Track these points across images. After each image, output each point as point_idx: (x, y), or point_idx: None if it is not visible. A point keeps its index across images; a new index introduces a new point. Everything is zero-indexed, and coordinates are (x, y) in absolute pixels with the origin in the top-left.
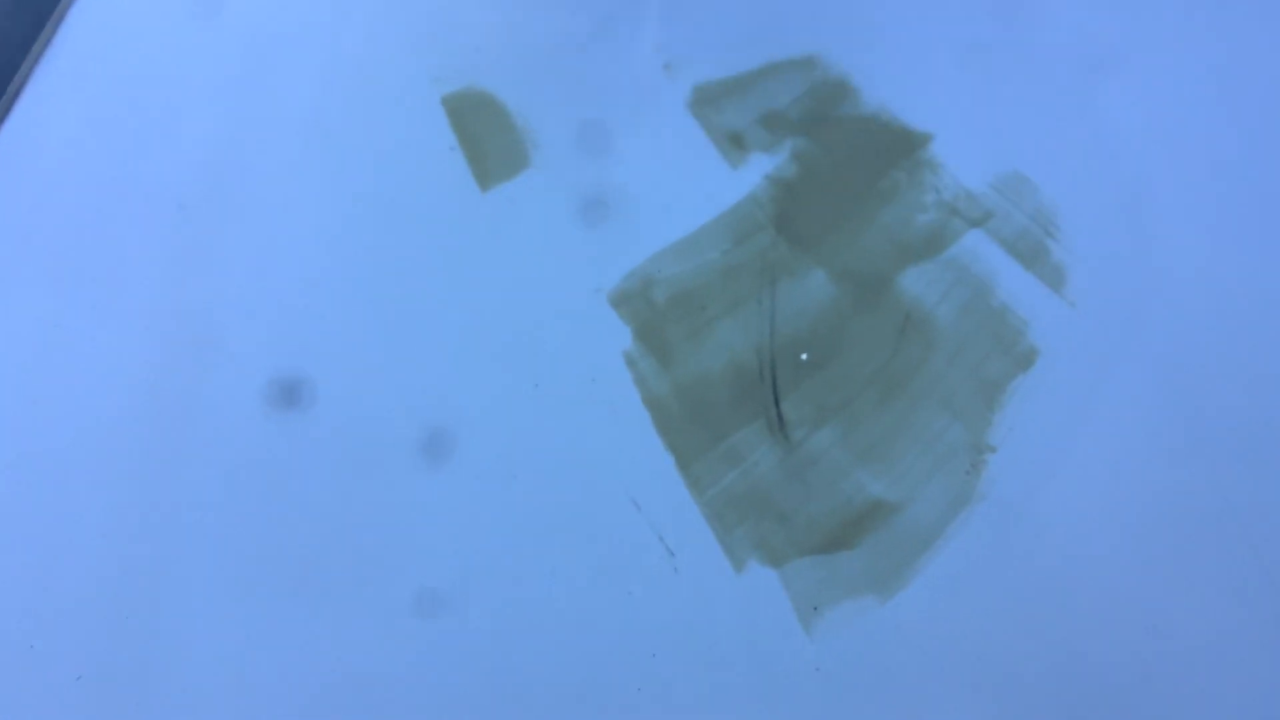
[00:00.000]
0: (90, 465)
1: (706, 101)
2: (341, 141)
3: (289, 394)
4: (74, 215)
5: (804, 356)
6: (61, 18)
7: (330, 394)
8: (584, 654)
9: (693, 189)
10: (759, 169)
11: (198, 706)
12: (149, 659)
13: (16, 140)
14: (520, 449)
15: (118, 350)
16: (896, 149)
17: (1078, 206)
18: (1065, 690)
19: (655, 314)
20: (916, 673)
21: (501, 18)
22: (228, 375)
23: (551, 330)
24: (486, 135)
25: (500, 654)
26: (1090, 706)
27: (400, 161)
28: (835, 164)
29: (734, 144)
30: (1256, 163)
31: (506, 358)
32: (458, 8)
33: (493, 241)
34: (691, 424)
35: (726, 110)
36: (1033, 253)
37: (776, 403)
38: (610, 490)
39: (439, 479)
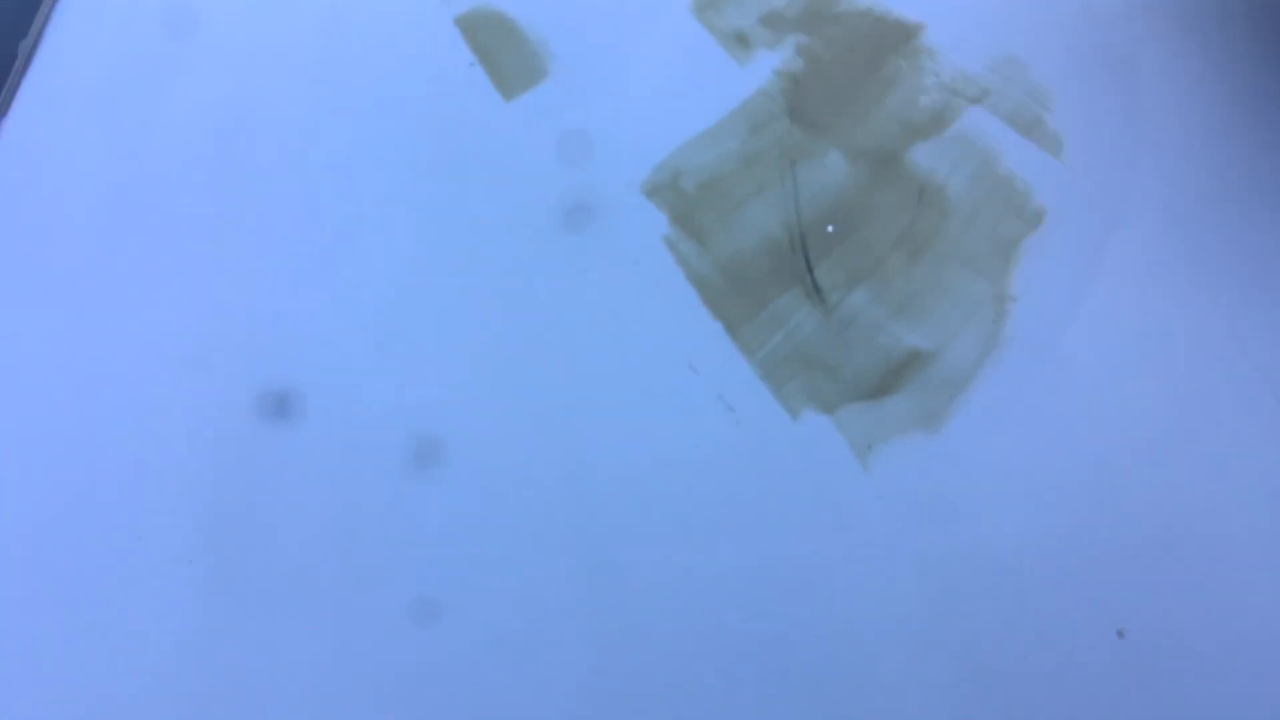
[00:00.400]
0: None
1: (709, 5)
2: (357, 64)
3: (280, 405)
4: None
5: (830, 229)
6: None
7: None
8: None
9: (706, 87)
10: (766, 64)
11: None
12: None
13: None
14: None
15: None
16: (892, 38)
17: (1069, 80)
18: (1093, 494)
19: (687, 201)
20: (967, 492)
21: None
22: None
23: (594, 221)
24: (502, 50)
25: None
26: (1116, 506)
27: (421, 81)
28: (837, 56)
29: (740, 43)
30: (1238, 25)
31: (553, 252)
32: None
33: (521, 150)
34: (735, 295)
35: (728, 12)
36: (1030, 124)
37: (810, 270)
38: (668, 358)
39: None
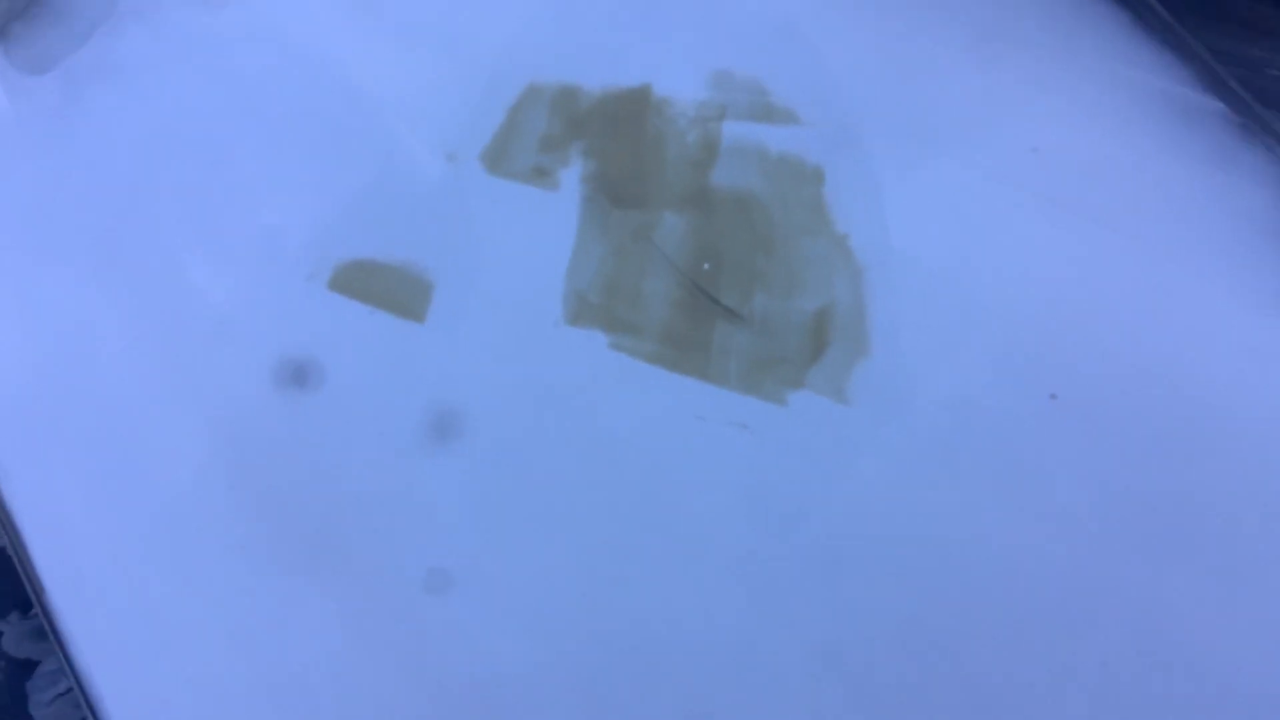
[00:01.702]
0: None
1: (499, 159)
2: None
3: (298, 375)
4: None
5: (706, 266)
6: None
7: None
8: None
9: (548, 222)
10: (572, 179)
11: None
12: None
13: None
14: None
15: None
16: (636, 107)
17: (762, 62)
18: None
19: (604, 309)
20: (911, 349)
21: None
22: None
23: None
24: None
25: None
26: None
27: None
28: (612, 142)
29: (541, 175)
30: None
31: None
32: None
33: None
34: (687, 351)
35: (516, 157)
36: (766, 111)
37: (718, 302)
38: (673, 416)
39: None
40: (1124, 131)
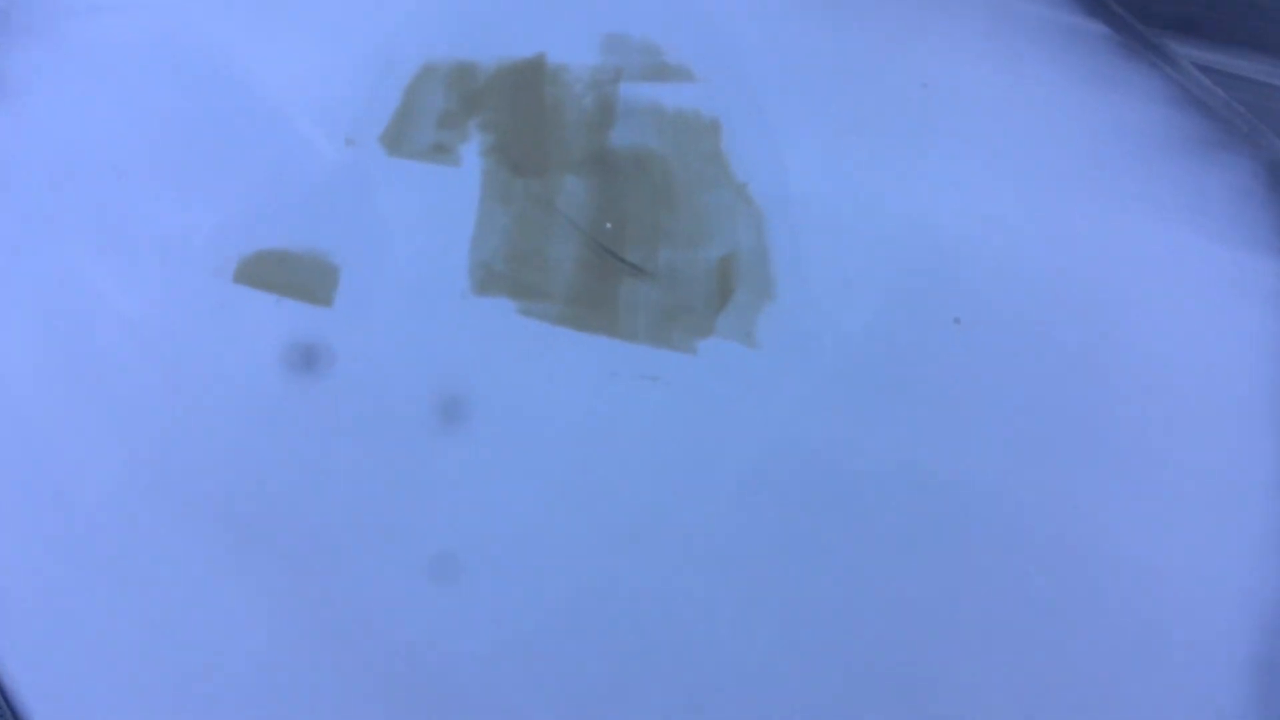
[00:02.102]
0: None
1: (396, 140)
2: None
3: (307, 358)
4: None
5: (608, 225)
6: None
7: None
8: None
9: (448, 199)
10: (472, 154)
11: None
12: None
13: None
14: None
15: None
16: (531, 75)
17: (653, 25)
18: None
19: (510, 277)
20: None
21: None
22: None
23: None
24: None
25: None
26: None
27: None
28: (511, 114)
29: (441, 152)
30: None
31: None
32: None
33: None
34: (595, 310)
35: (413, 136)
36: (660, 71)
37: (622, 259)
38: (599, 375)
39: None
40: (1011, 60)
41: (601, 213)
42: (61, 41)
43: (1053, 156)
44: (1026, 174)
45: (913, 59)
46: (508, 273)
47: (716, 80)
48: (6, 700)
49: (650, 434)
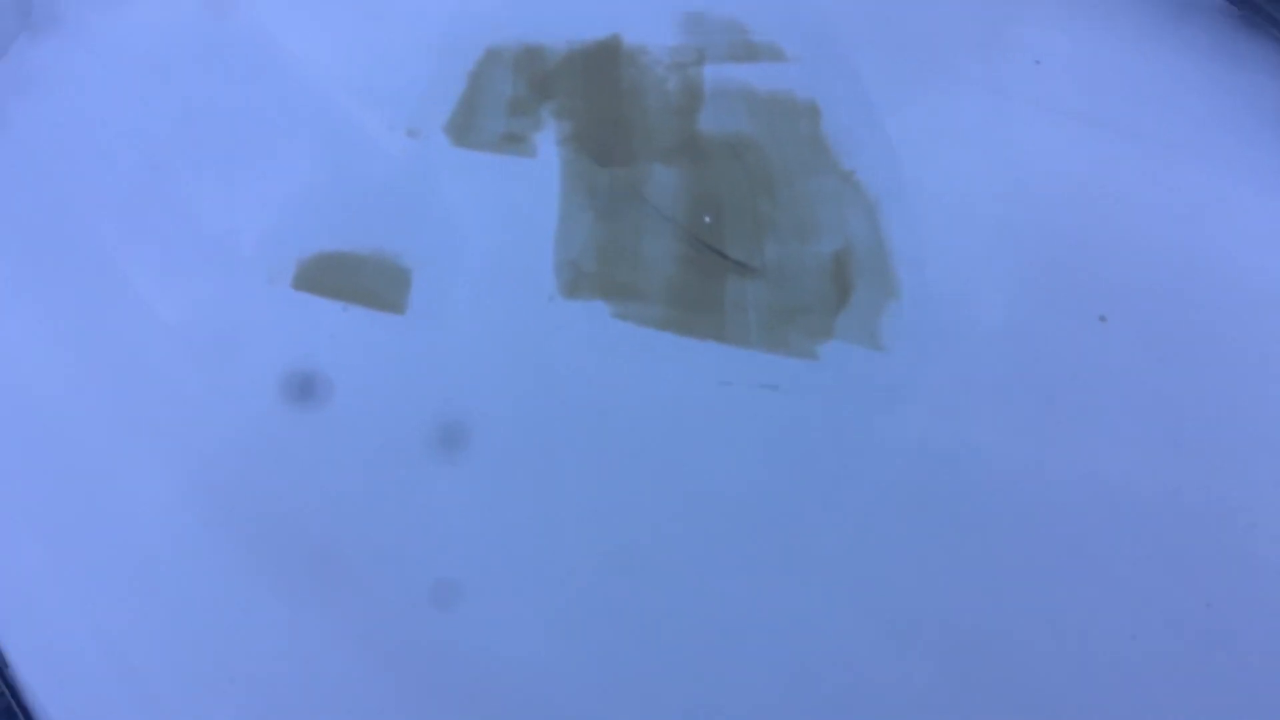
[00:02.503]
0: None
1: (464, 131)
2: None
3: (305, 387)
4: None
5: (706, 219)
6: None
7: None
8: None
9: (528, 192)
10: (548, 143)
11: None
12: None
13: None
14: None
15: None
16: (606, 58)
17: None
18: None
19: (601, 277)
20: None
21: None
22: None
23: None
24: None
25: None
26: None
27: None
28: (585, 98)
29: (513, 142)
30: None
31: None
32: None
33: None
34: (698, 313)
35: (483, 126)
36: (748, 51)
37: (724, 255)
38: (696, 384)
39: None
40: (1124, 33)
41: (697, 204)
42: (90, 31)
43: (1178, 135)
44: (1153, 154)
45: (1022, 34)
46: (599, 272)
47: (809, 59)
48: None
49: (770, 448)
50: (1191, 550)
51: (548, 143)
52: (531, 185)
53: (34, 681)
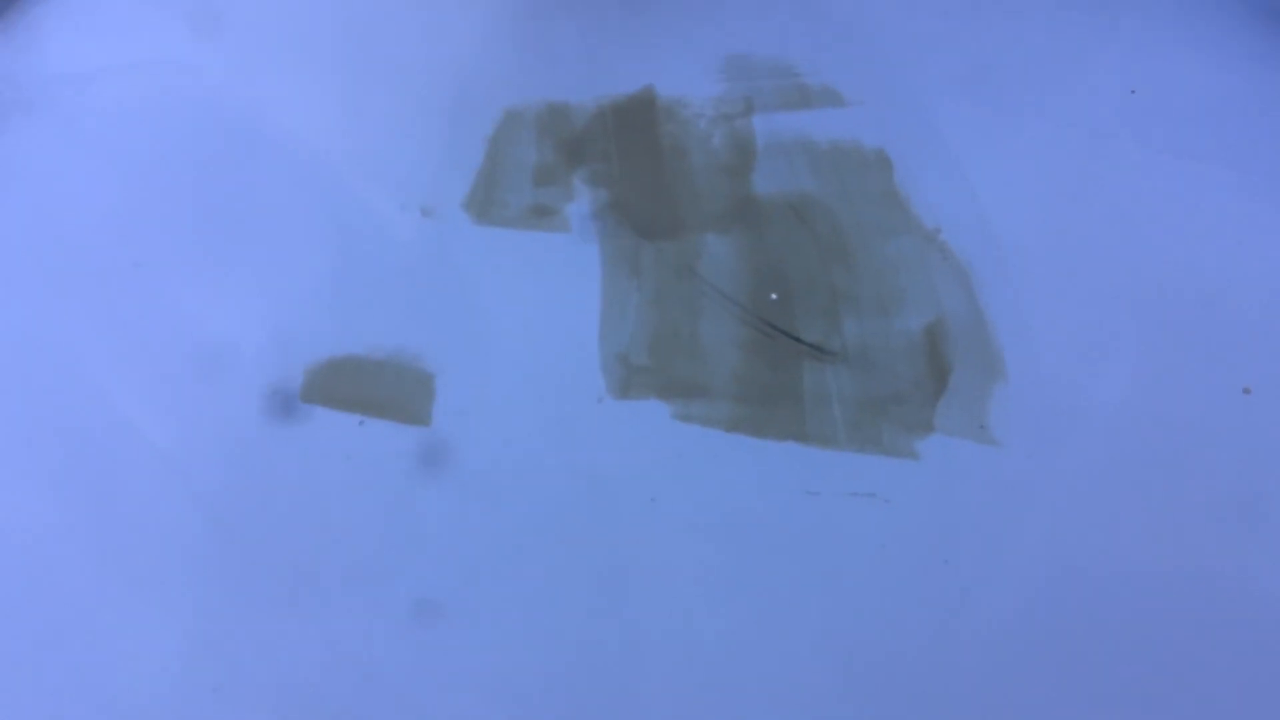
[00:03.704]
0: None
1: (486, 207)
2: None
3: (286, 405)
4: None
5: (773, 296)
6: None
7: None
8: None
9: (565, 274)
10: (581, 215)
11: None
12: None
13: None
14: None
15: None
16: (642, 114)
17: (787, 41)
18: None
19: (654, 371)
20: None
21: None
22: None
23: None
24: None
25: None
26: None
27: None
28: (620, 162)
29: (541, 215)
30: None
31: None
32: None
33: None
34: (772, 409)
35: (506, 200)
36: (801, 96)
37: (798, 339)
38: (781, 493)
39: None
40: (1220, 50)
41: (760, 279)
42: (59, 114)
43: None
44: (1263, 189)
45: (1110, 61)
46: (653, 366)
47: (872, 101)
48: None
49: (871, 569)
50: None
51: (582, 215)
52: (567, 266)
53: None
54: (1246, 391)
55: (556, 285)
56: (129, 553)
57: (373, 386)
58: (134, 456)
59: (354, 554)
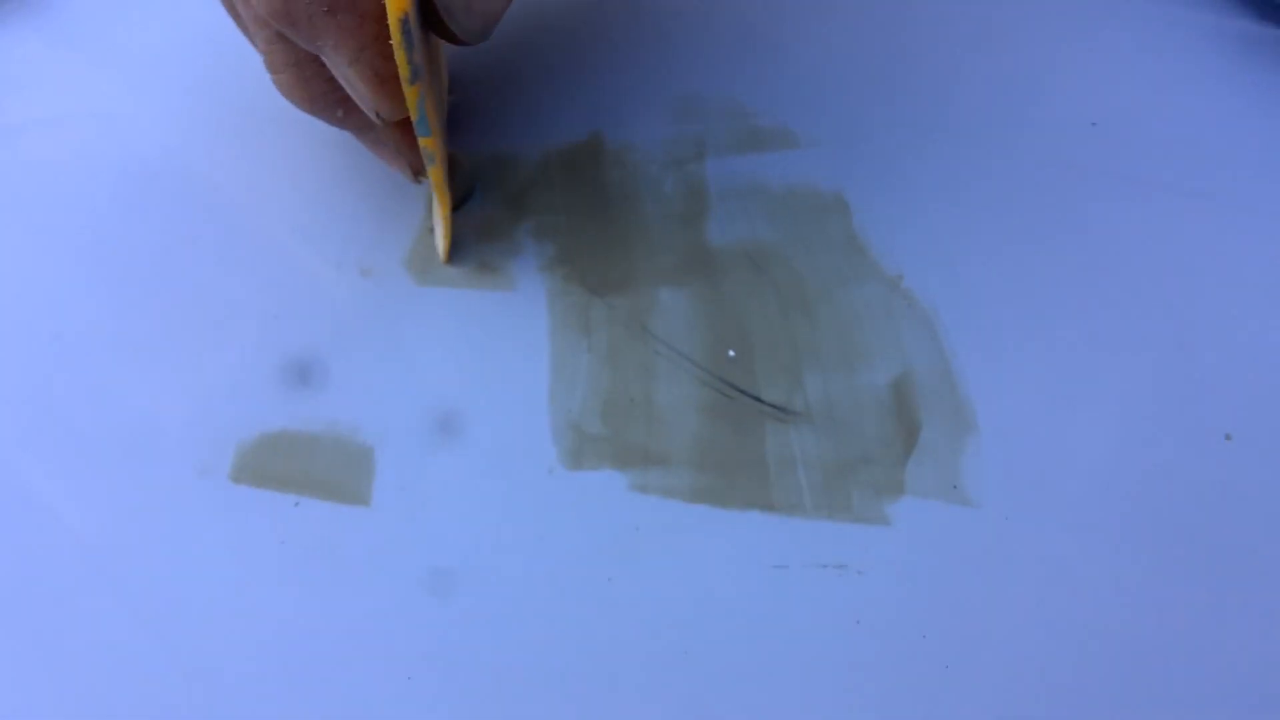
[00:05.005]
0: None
1: (425, 268)
2: None
3: (302, 374)
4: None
5: (731, 353)
6: None
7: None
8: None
9: (509, 336)
10: (529, 270)
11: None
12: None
13: None
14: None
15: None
16: (586, 160)
17: (735, 81)
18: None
19: (608, 440)
20: (1037, 407)
21: None
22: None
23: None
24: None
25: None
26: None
27: None
28: (566, 213)
29: (489, 272)
30: None
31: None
32: None
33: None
34: (733, 475)
35: (453, 259)
36: (754, 138)
37: (758, 399)
38: (745, 572)
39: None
40: (1184, 80)
41: (716, 335)
42: None
43: (1261, 199)
44: (1241, 217)
45: (1070, 93)
46: (607, 433)
47: (828, 142)
48: None
49: (849, 645)
50: None
51: (528, 271)
52: (513, 325)
53: None
54: (1228, 439)
55: (502, 347)
56: (48, 650)
57: (308, 463)
58: (53, 544)
59: (290, 652)
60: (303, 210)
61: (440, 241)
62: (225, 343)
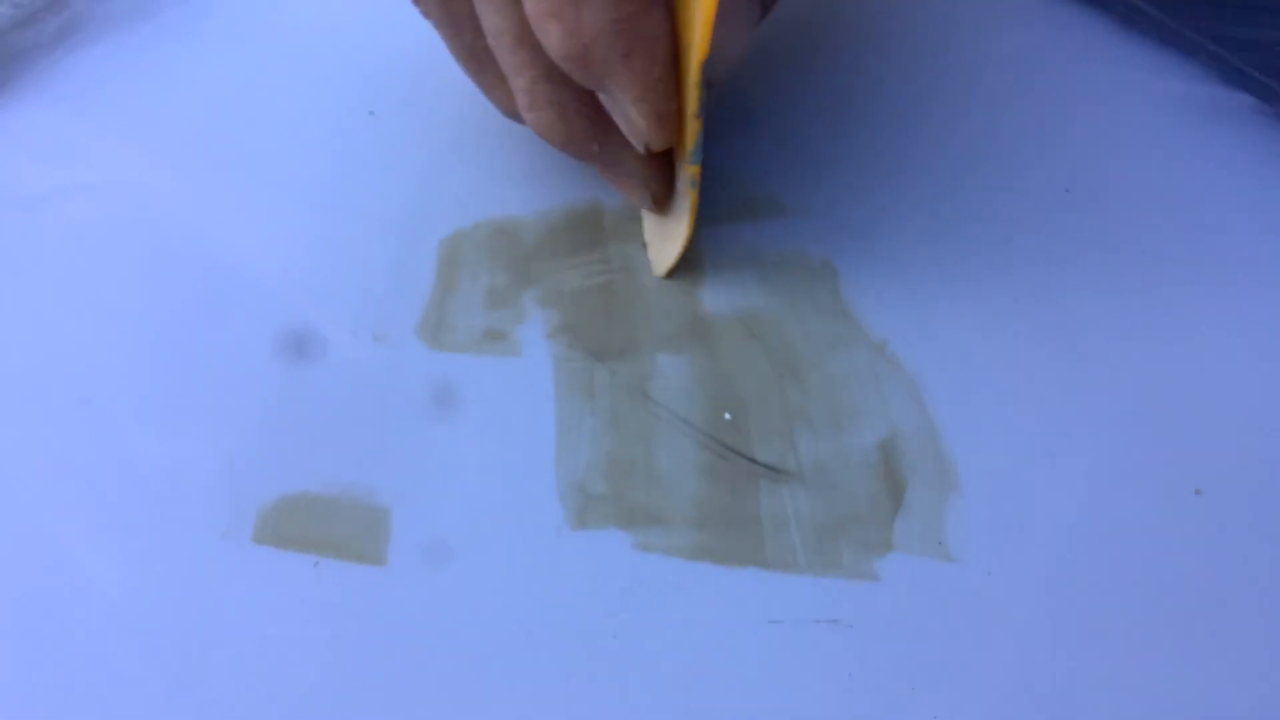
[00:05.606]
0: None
1: (437, 330)
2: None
3: (299, 347)
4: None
5: (727, 416)
6: None
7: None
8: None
9: (517, 402)
10: (534, 338)
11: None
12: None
13: None
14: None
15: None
16: (587, 229)
17: (737, 148)
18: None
19: (612, 500)
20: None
21: None
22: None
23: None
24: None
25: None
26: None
27: None
28: (568, 282)
29: (494, 339)
30: None
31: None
32: None
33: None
34: (731, 535)
35: (457, 325)
36: (748, 207)
37: (753, 460)
38: (741, 627)
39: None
40: (1155, 146)
41: (713, 399)
42: (7, 237)
43: (1230, 260)
44: (1215, 281)
45: (1044, 161)
46: (611, 494)
47: (817, 211)
48: None
49: (841, 698)
50: None
51: (534, 338)
52: (520, 391)
53: None
54: (1198, 493)
55: (510, 412)
56: (81, 712)
57: (327, 524)
58: (83, 605)
59: (313, 705)
60: (320, 278)
61: (668, 259)
62: (246, 407)
